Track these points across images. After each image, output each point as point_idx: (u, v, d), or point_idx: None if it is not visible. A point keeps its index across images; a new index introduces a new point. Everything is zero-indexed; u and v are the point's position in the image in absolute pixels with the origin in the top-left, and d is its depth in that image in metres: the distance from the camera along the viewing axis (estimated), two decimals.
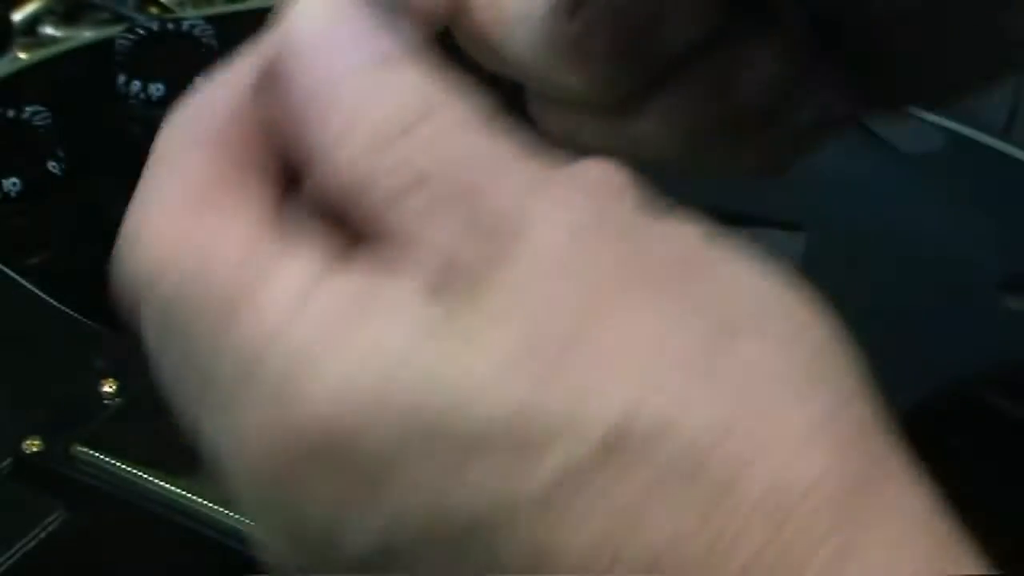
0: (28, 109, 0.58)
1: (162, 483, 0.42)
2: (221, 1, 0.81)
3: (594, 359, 0.23)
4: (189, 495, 0.42)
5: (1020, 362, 0.52)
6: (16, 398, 0.47)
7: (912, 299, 0.53)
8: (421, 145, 0.24)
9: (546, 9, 0.35)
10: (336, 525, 0.24)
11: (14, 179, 0.57)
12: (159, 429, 0.44)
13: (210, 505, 0.41)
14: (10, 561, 0.40)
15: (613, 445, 0.22)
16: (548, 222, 0.24)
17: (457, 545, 0.23)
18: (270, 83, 0.26)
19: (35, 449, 0.43)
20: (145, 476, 0.42)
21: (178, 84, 0.64)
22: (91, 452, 0.43)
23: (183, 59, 0.64)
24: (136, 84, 0.64)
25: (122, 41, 0.65)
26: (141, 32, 0.65)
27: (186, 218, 0.25)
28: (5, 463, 0.43)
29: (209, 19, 0.68)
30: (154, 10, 0.81)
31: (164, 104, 0.63)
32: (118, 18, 0.79)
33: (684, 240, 0.25)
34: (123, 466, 0.43)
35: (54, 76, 0.67)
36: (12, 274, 0.52)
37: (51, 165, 0.58)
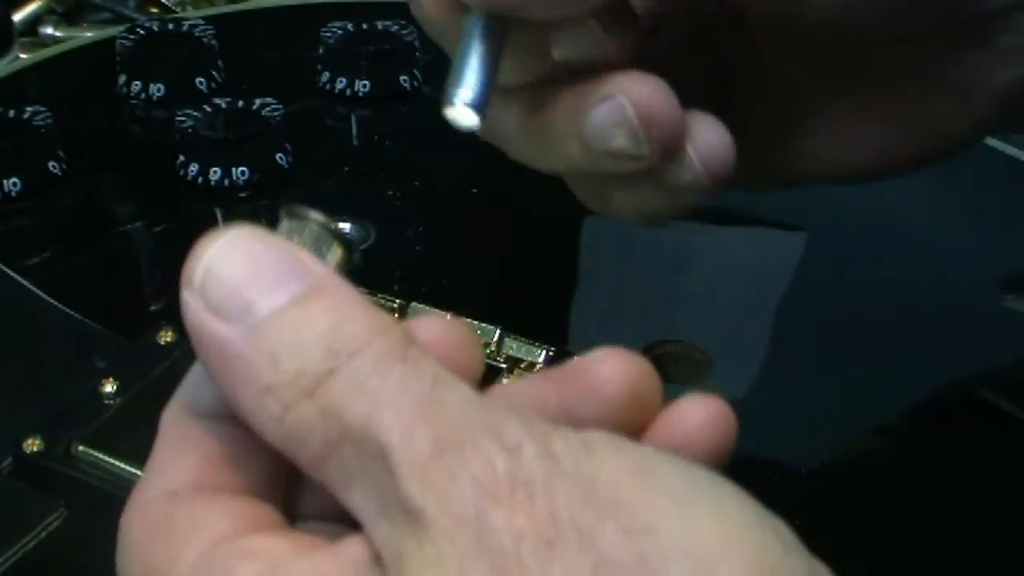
0: (28, 109, 0.58)
1: None
2: (221, 1, 0.81)
3: None
4: None
5: (1020, 362, 0.52)
6: (16, 398, 0.47)
7: (912, 299, 0.53)
8: (334, 402, 0.25)
9: None
10: None
11: (14, 179, 0.57)
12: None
13: None
14: (10, 561, 0.40)
15: None
16: (447, 501, 0.24)
17: None
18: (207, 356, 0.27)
19: (35, 449, 0.43)
20: None
21: (178, 84, 0.64)
22: (91, 452, 0.43)
23: (183, 59, 0.64)
24: (136, 84, 0.64)
25: (122, 41, 0.65)
26: (141, 32, 0.65)
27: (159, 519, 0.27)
28: (5, 463, 0.43)
29: (209, 19, 0.68)
30: (154, 10, 0.81)
31: (164, 104, 0.63)
32: (118, 18, 0.79)
33: (583, 480, 0.25)
34: (123, 466, 0.43)
35: (54, 76, 0.67)
36: (12, 274, 0.52)
37: (51, 165, 0.58)
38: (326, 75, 0.65)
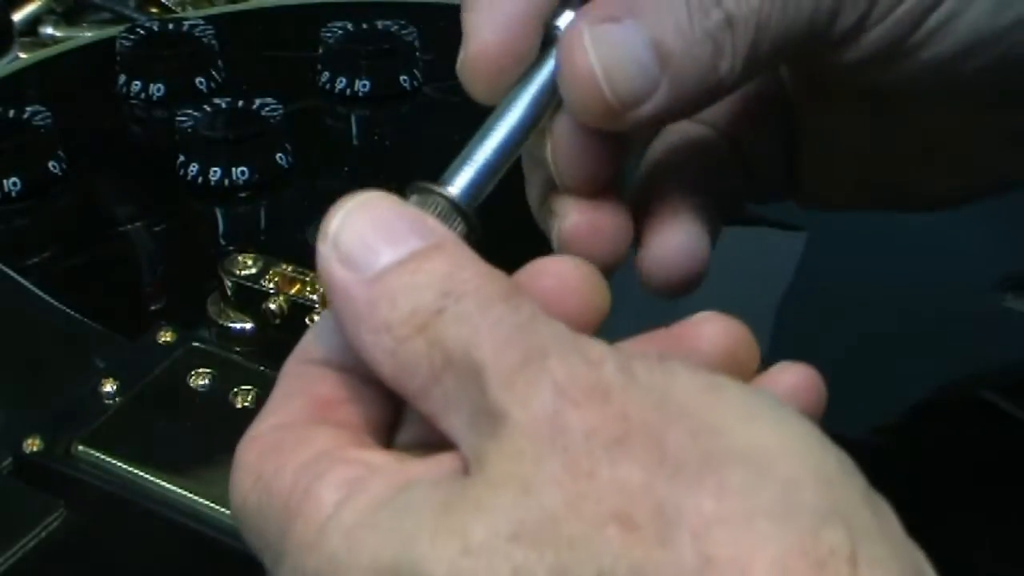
0: (28, 109, 0.59)
1: (162, 483, 0.42)
2: (221, 1, 0.81)
3: (576, 517, 0.25)
4: (189, 495, 0.42)
5: (1020, 362, 0.52)
6: (16, 398, 0.47)
7: (912, 299, 0.53)
8: (441, 334, 0.27)
9: None
10: None
11: (14, 179, 0.57)
12: (159, 429, 0.44)
13: (210, 505, 0.41)
14: (10, 561, 0.40)
15: None
16: (528, 403, 0.26)
17: None
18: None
19: (35, 449, 0.43)
20: (145, 476, 0.42)
21: (178, 84, 0.64)
22: (91, 452, 0.43)
23: (183, 59, 0.64)
24: (136, 84, 0.64)
25: (122, 41, 0.65)
26: (141, 32, 0.65)
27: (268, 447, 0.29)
28: (5, 463, 0.43)
29: (209, 19, 0.68)
30: (154, 10, 0.81)
31: (164, 104, 0.63)
32: (118, 18, 0.79)
33: (657, 391, 0.26)
34: (123, 466, 0.43)
35: (54, 76, 0.67)
36: (12, 274, 0.52)
37: (51, 165, 0.58)
38: (326, 75, 0.65)
